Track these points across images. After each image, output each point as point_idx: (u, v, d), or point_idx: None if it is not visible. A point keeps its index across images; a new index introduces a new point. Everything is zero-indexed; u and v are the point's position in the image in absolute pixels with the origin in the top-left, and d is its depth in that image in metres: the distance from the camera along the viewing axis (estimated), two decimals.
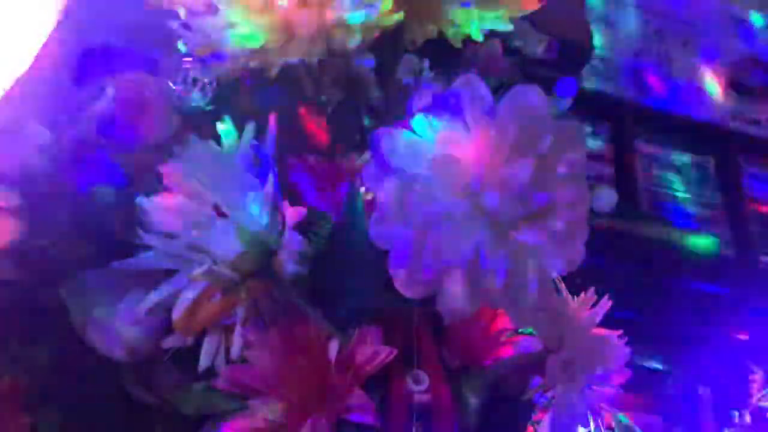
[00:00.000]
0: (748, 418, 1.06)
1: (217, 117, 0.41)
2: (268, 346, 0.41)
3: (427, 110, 0.35)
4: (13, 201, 0.45)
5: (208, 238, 0.37)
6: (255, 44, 0.47)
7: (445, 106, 0.35)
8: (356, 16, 0.47)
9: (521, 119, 0.35)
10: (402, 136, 0.36)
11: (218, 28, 0.48)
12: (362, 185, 0.47)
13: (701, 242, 1.13)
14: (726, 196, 1.32)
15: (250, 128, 0.40)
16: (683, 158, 1.33)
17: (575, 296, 0.48)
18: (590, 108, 1.21)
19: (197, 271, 0.37)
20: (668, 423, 1.11)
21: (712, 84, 1.39)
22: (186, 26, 0.50)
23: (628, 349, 0.49)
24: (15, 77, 0.52)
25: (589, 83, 1.25)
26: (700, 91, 1.38)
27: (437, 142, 0.35)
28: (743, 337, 1.15)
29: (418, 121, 0.35)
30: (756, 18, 1.42)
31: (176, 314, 0.39)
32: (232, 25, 0.48)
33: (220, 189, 0.38)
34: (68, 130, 0.51)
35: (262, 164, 0.40)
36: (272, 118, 0.42)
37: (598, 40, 1.23)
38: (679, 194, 1.30)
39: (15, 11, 0.53)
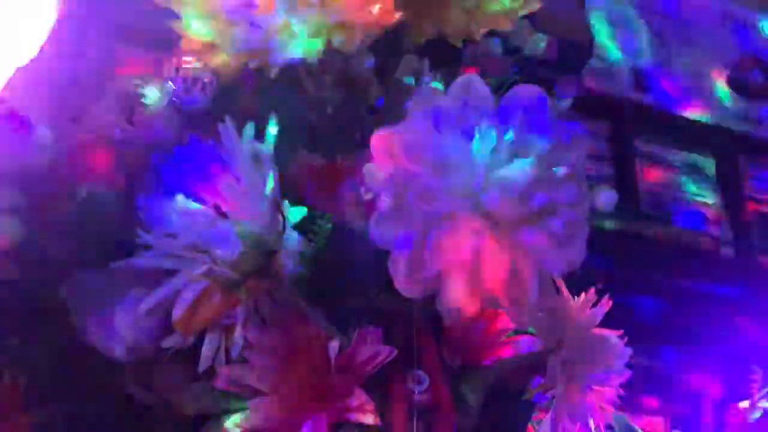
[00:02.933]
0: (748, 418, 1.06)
1: (217, 117, 0.41)
2: (268, 346, 0.41)
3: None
4: (13, 201, 0.45)
5: (208, 238, 0.37)
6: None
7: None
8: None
9: (521, 119, 0.35)
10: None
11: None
12: (362, 185, 0.47)
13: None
14: (726, 196, 1.32)
15: (250, 128, 0.40)
16: (683, 158, 1.33)
17: (575, 296, 0.48)
18: (590, 108, 1.21)
19: (197, 271, 0.37)
20: (668, 423, 1.11)
21: (712, 83, 1.38)
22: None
23: (628, 349, 0.49)
24: (15, 73, 0.52)
25: (589, 83, 1.24)
26: (700, 91, 1.38)
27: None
28: (743, 336, 1.15)
29: None
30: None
31: (176, 314, 0.39)
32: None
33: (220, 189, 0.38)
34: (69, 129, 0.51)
35: (262, 164, 0.40)
36: (272, 118, 0.42)
37: (598, 40, 1.23)
38: (679, 194, 1.29)
39: (15, 8, 0.53)
